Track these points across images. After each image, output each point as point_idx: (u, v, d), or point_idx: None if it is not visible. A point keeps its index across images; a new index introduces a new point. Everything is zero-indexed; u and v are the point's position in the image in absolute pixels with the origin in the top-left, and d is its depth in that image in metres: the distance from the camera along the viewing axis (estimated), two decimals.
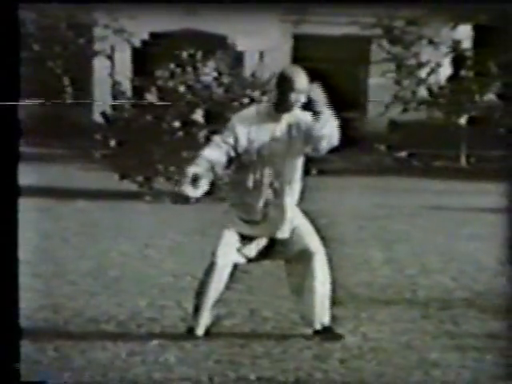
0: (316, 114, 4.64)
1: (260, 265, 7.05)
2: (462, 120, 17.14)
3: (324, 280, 4.89)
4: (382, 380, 4.31)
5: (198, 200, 11.40)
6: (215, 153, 4.71)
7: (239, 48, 19.31)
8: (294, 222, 4.87)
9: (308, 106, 4.70)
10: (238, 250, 4.86)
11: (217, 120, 11.50)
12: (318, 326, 4.89)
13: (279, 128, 4.75)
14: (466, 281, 6.57)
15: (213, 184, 13.58)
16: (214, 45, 13.72)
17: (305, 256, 4.85)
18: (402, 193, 12.40)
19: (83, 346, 4.69)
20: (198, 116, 11.37)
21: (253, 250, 4.91)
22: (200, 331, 4.85)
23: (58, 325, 5.14)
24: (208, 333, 4.87)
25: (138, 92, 12.20)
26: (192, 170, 4.62)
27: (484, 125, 16.66)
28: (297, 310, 5.02)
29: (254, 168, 4.75)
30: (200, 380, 4.27)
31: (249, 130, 4.71)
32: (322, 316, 4.89)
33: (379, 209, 10.38)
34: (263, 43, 19.51)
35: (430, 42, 17.41)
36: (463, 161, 16.95)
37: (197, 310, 4.86)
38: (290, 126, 4.76)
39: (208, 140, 11.98)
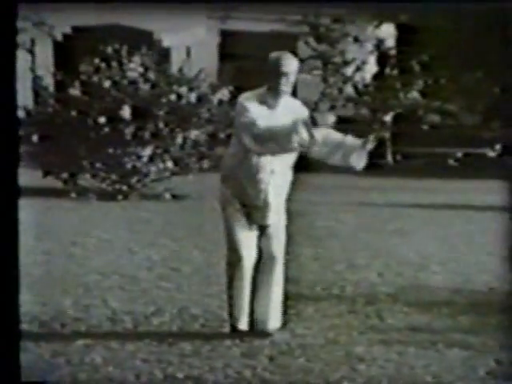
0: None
1: (189, 262, 7.02)
2: (388, 117, 17.42)
3: (279, 286, 4.91)
4: (310, 376, 4.33)
5: (125, 197, 11.28)
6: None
7: (165, 44, 19.17)
8: (279, 214, 4.87)
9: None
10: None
11: (143, 116, 11.38)
12: (270, 329, 4.87)
13: (275, 114, 4.72)
14: (391, 276, 6.67)
15: (139, 181, 13.30)
16: (140, 40, 13.56)
17: (268, 257, 4.86)
18: (328, 189, 12.51)
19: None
20: (125, 112, 11.23)
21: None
22: (243, 326, 4.80)
23: None
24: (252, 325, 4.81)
25: (61, 87, 11.96)
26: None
27: (408, 122, 16.98)
28: (253, 309, 4.92)
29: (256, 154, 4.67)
30: (127, 380, 4.20)
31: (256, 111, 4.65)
32: (275, 319, 4.89)
33: (307, 205, 10.44)
34: (190, 39, 19.41)
35: (356, 40, 17.61)
36: (389, 157, 17.22)
37: (234, 306, 4.79)
38: (285, 115, 4.73)
39: (135, 136, 11.84)
